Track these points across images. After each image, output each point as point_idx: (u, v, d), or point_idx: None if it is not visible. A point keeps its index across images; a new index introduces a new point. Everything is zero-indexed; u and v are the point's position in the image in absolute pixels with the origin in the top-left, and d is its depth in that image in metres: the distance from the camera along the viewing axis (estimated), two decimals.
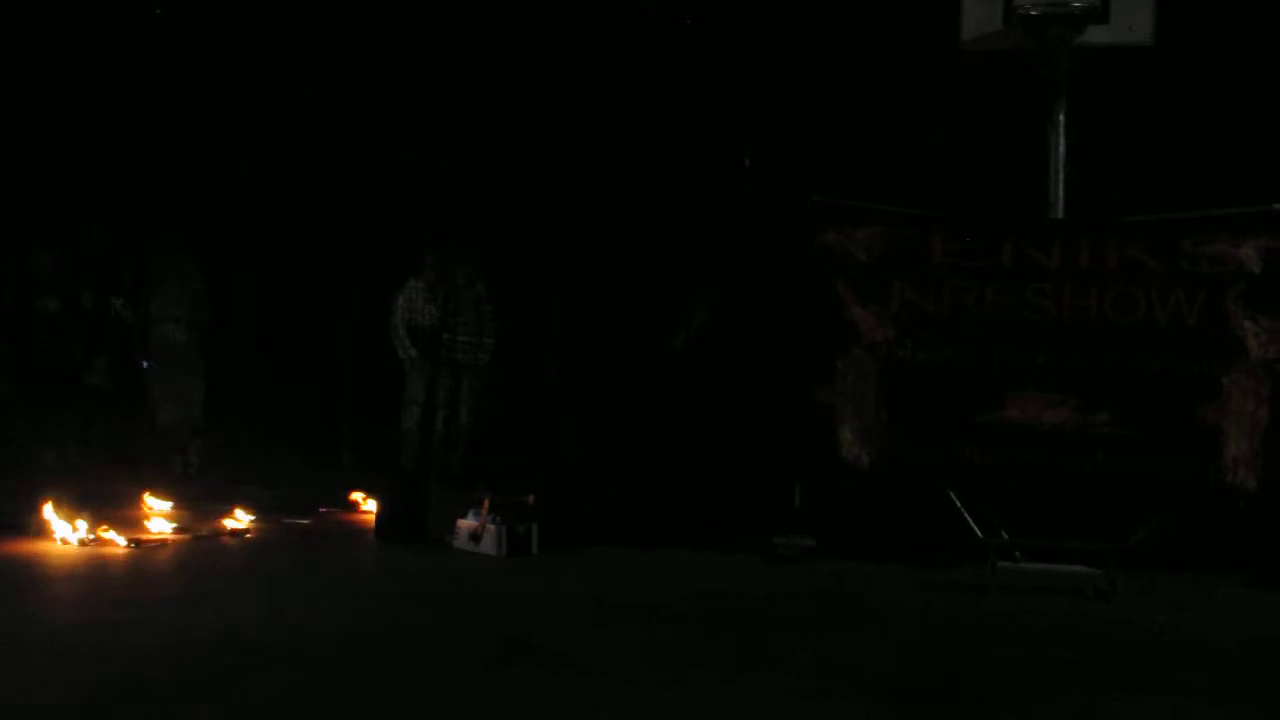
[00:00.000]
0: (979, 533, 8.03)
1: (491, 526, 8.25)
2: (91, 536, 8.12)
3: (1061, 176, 9.03)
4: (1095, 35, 8.77)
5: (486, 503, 8.31)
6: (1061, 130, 9.03)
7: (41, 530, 8.17)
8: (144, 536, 8.37)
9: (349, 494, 9.94)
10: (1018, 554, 7.89)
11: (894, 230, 8.70)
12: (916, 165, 10.47)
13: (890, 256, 8.68)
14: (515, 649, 5.91)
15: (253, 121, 12.18)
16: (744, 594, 7.40)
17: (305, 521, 9.40)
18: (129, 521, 8.63)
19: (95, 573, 7.48)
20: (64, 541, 8.05)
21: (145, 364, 11.15)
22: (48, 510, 8.26)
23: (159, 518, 8.81)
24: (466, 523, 8.40)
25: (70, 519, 8.20)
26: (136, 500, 9.23)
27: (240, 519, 9.00)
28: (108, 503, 8.96)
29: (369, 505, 9.57)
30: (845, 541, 8.46)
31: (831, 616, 6.96)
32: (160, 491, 9.39)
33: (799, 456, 8.73)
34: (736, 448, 8.91)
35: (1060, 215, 9.05)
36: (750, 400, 8.96)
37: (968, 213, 9.06)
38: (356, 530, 9.22)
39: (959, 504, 8.17)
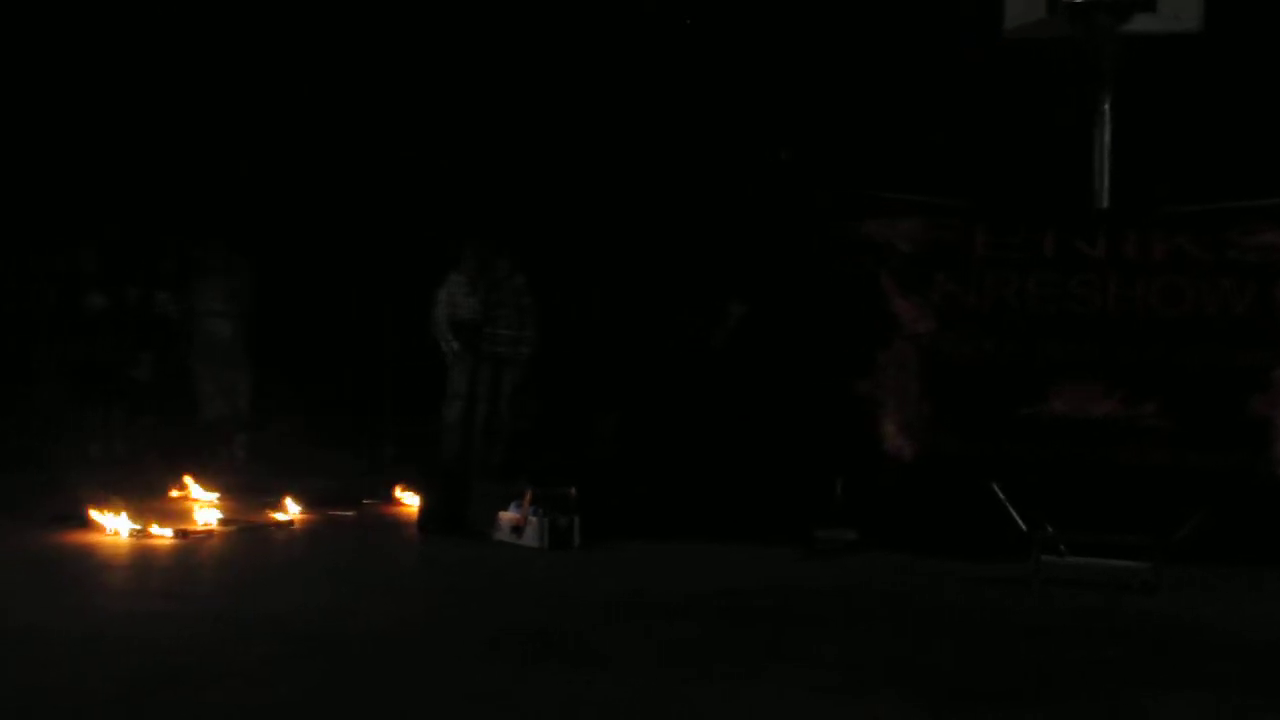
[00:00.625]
0: (1023, 526, 7.96)
1: (534, 519, 8.27)
2: (139, 528, 8.19)
3: (1107, 167, 8.94)
4: (1142, 23, 8.66)
5: (528, 495, 8.33)
6: (1107, 120, 8.93)
7: (90, 523, 8.25)
8: (190, 528, 8.44)
9: (391, 487, 10.00)
10: (1062, 548, 7.82)
11: (936, 221, 8.65)
12: (958, 156, 10.40)
13: (932, 248, 8.62)
14: (553, 643, 5.92)
15: (294, 116, 12.24)
16: (784, 587, 7.38)
17: (349, 514, 9.45)
18: (175, 513, 8.72)
19: (142, 564, 7.57)
20: (112, 533, 8.13)
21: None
22: (96, 503, 8.35)
23: (205, 509, 8.89)
24: (508, 515, 8.43)
25: (118, 512, 8.28)
26: (183, 493, 9.33)
27: (285, 511, 9.07)
28: (154, 495, 9.07)
29: (411, 498, 9.61)
30: (887, 535, 8.41)
31: (870, 610, 6.93)
32: (206, 484, 9.48)
33: (840, 449, 8.69)
34: (777, 441, 8.86)
35: (1105, 206, 8.95)
36: (790, 393, 8.91)
37: (1011, 204, 9.00)
38: (399, 523, 9.27)
39: (1002, 497, 8.12)
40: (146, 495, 8.98)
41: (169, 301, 11.51)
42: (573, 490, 8.43)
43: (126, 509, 8.36)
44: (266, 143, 12.37)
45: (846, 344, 8.69)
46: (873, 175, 9.28)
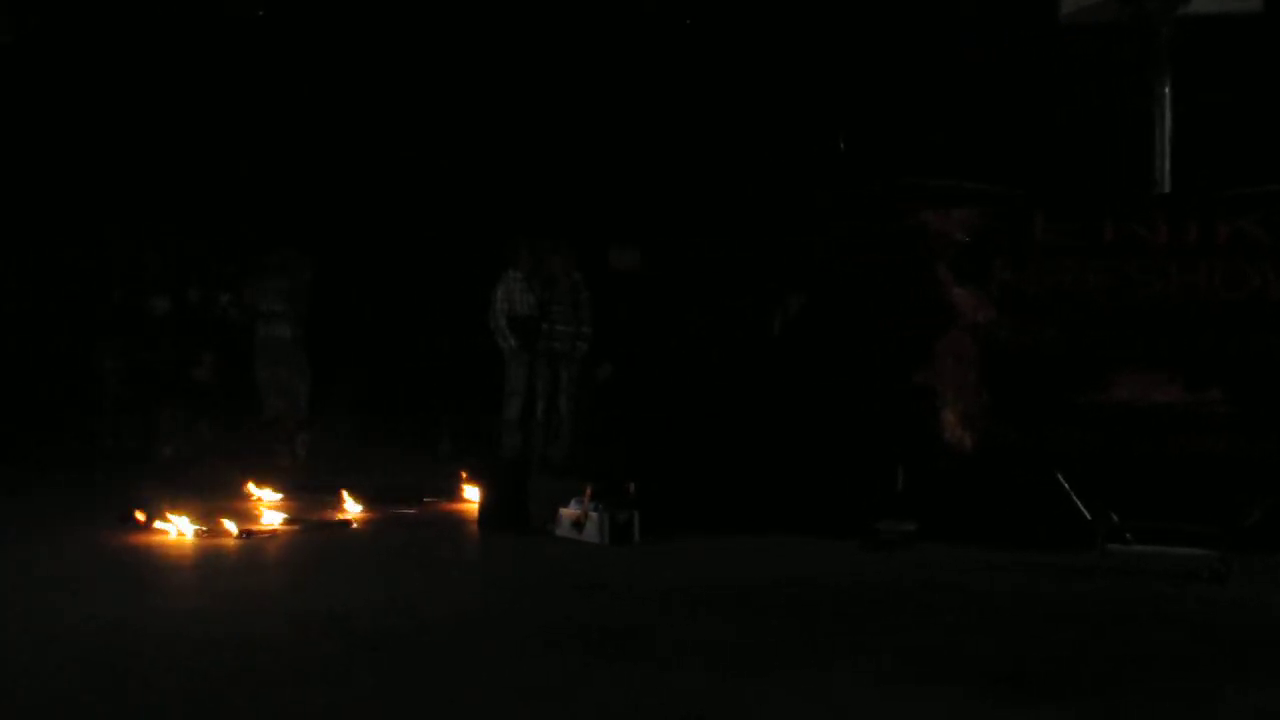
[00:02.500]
0: (1087, 515, 7.87)
1: (594, 514, 8.27)
2: (204, 529, 8.27)
3: (1167, 151, 8.81)
4: (1200, 4, 8.54)
5: (589, 491, 8.33)
6: (1167, 104, 8.81)
7: (157, 523, 8.34)
8: (255, 527, 8.51)
9: (451, 484, 10.03)
10: (1128, 536, 7.73)
11: (993, 209, 8.57)
12: (1015, 143, 10.30)
13: (989, 236, 8.55)
14: (616, 637, 5.92)
15: (352, 117, 12.32)
16: (845, 579, 7.33)
17: (410, 511, 9.50)
18: (239, 513, 8.79)
19: (208, 563, 7.63)
20: (178, 534, 8.21)
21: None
22: (162, 504, 8.44)
23: (268, 509, 8.96)
24: (569, 511, 8.43)
25: (184, 512, 8.37)
26: (246, 492, 9.41)
27: (346, 510, 9.13)
28: (219, 495, 9.15)
29: (471, 495, 9.65)
30: (949, 525, 8.31)
31: (933, 601, 6.86)
32: (269, 483, 9.56)
33: (900, 440, 8.63)
34: (837, 433, 8.81)
35: (1165, 190, 8.83)
36: (849, 384, 8.85)
37: (1069, 190, 8.89)
38: (460, 519, 9.30)
39: (1066, 486, 8.02)
40: (211, 495, 9.06)
41: (230, 303, 11.61)
42: (632, 485, 8.42)
43: (192, 509, 8.44)
44: (325, 144, 12.45)
45: (904, 334, 8.63)
46: (927, 164, 9.18)
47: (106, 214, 12.28)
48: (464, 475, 9.92)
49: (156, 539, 8.13)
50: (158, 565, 7.47)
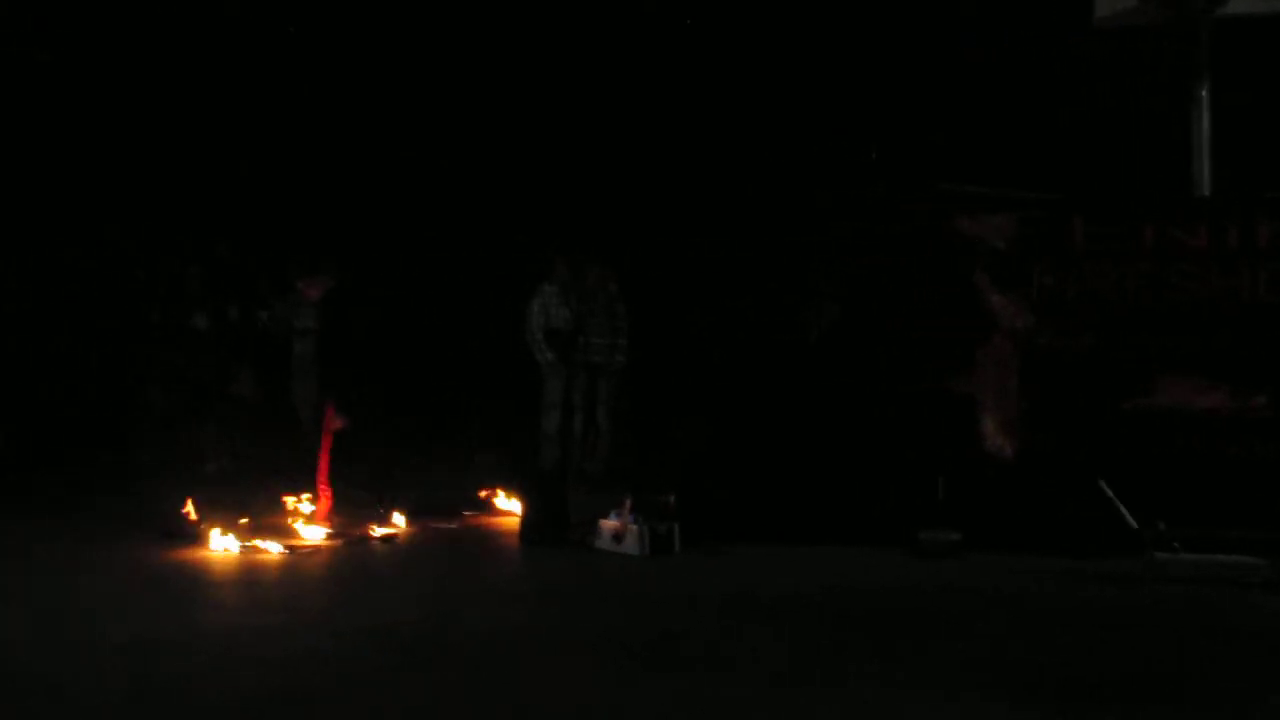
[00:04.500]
0: (1133, 523, 7.74)
1: (634, 526, 8.21)
2: (247, 544, 8.25)
3: (1206, 154, 8.70)
4: (1238, 6, 8.44)
5: (628, 503, 8.27)
6: (1205, 106, 8.69)
7: (202, 539, 8.33)
8: (296, 543, 8.49)
9: (491, 498, 9.99)
10: (1175, 544, 7.59)
11: (1031, 215, 8.48)
12: (1051, 147, 10.19)
13: (1027, 242, 8.47)
14: (660, 648, 5.88)
15: (388, 131, 12.33)
16: (888, 589, 7.26)
17: (450, 525, 9.46)
18: (282, 528, 8.77)
19: (252, 579, 7.62)
20: (223, 550, 8.20)
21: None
22: (206, 519, 8.43)
23: (310, 525, 8.94)
24: (609, 523, 8.37)
25: (227, 528, 8.35)
26: (288, 507, 9.38)
27: (388, 525, 9.09)
28: (261, 510, 9.12)
29: (511, 508, 9.59)
30: (992, 534, 8.21)
31: (977, 610, 6.78)
32: (309, 499, 9.52)
33: (941, 449, 8.53)
34: (876, 441, 8.72)
35: (1205, 193, 8.71)
36: (888, 393, 8.76)
37: (1108, 195, 8.79)
38: (500, 533, 9.26)
39: (1110, 493, 7.90)
40: (254, 510, 9.03)
41: (270, 320, 11.61)
42: (672, 497, 8.36)
43: (236, 525, 8.43)
44: (362, 161, 12.46)
45: (943, 342, 8.54)
46: (963, 170, 9.10)
47: (148, 231, 12.32)
48: (502, 489, 9.87)
49: (201, 555, 8.12)
50: (202, 581, 7.46)
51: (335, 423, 9.67)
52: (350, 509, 9.47)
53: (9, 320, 11.89)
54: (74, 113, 11.83)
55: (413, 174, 12.55)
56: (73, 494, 10.32)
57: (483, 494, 10.09)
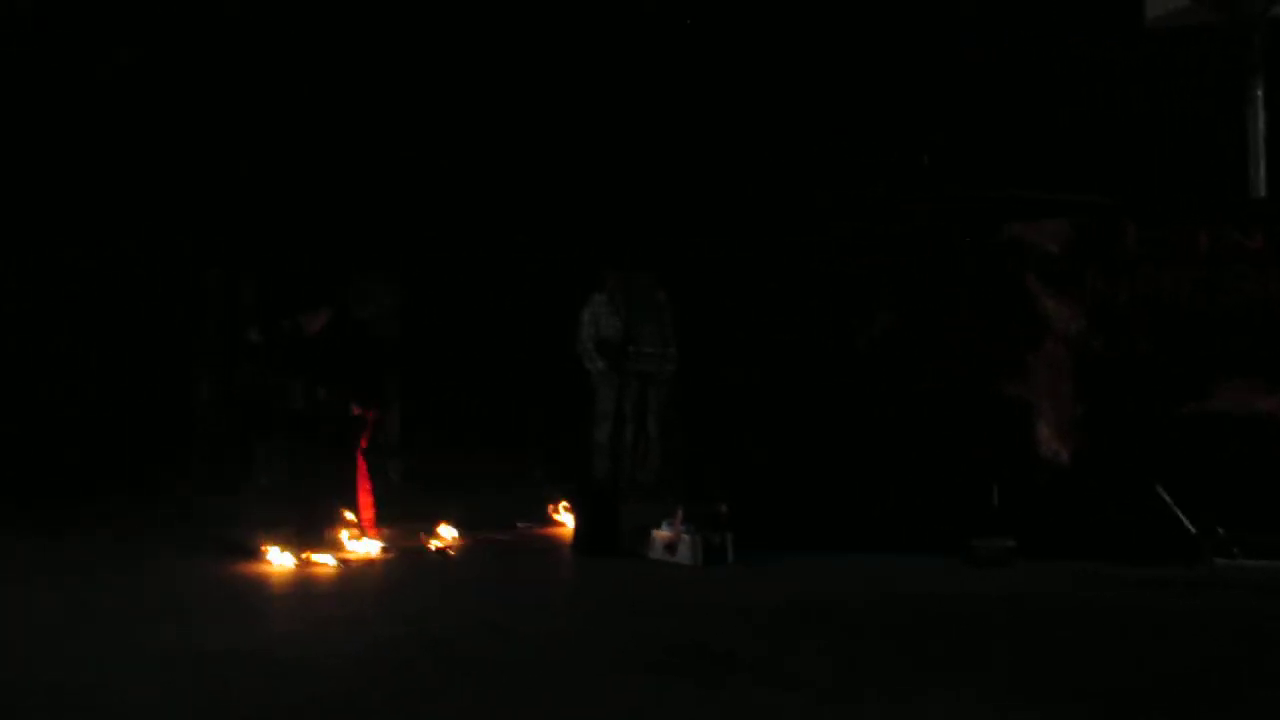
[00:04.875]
0: (1191, 528, 7.65)
1: (686, 536, 8.21)
2: (303, 557, 8.32)
3: (1262, 155, 8.59)
4: None
5: (680, 513, 8.27)
6: (1260, 106, 8.59)
7: (258, 552, 8.40)
8: (351, 555, 8.55)
9: (543, 508, 10.01)
10: (1236, 550, 7.49)
11: (1084, 220, 8.41)
12: (1104, 151, 10.10)
13: (1081, 247, 8.40)
14: (714, 659, 5.86)
15: (437, 143, 12.40)
16: (943, 598, 7.22)
17: (503, 536, 9.50)
18: (336, 540, 8.83)
19: (307, 591, 7.69)
20: (278, 563, 8.27)
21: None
22: (262, 533, 8.51)
23: (364, 537, 8.99)
24: (661, 533, 8.38)
25: (283, 541, 8.43)
26: (343, 519, 9.43)
27: (441, 536, 9.14)
28: (316, 523, 9.17)
29: (564, 519, 9.62)
30: (1047, 541, 8.14)
31: (1033, 618, 6.73)
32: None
33: (995, 455, 8.46)
34: (929, 448, 8.67)
35: (1262, 195, 8.61)
36: (941, 398, 8.70)
37: (1162, 198, 8.70)
38: (553, 544, 9.29)
39: (1168, 499, 7.81)
40: (309, 523, 9.09)
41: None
42: (724, 506, 8.34)
43: (291, 538, 8.50)
44: (411, 173, 12.54)
45: (996, 347, 8.48)
46: (1017, 175, 9.04)
47: (200, 245, 12.45)
48: (556, 499, 9.89)
49: (256, 568, 8.20)
50: (258, 594, 7.54)
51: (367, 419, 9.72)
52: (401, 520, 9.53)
53: (61, 336, 12.06)
54: (120, 126, 11.99)
55: (463, 187, 12.61)
56: (129, 509, 10.46)
57: (551, 507, 10.08)
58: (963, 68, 10.95)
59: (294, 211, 12.40)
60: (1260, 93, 8.59)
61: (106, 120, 11.94)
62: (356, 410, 9.30)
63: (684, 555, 8.20)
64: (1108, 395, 8.30)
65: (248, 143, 12.25)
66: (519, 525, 9.83)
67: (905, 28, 11.07)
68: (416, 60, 12.27)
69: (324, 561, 8.34)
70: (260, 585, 7.77)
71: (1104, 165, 9.83)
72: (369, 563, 8.54)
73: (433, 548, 8.98)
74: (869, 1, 11.17)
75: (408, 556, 8.74)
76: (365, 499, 9.40)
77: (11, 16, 10.99)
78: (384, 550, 8.81)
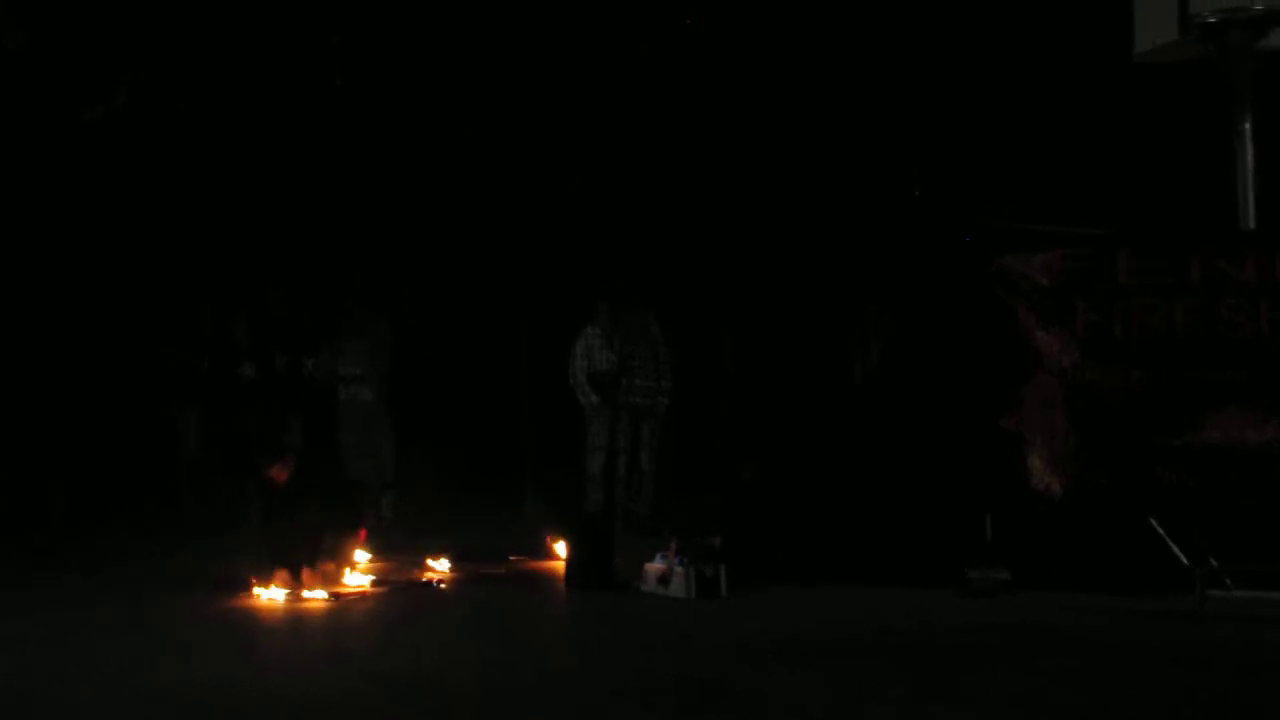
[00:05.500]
0: (1184, 560, 7.67)
1: (679, 569, 8.20)
2: (294, 592, 8.32)
3: (1251, 187, 8.66)
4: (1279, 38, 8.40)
5: (673, 546, 8.27)
6: (1248, 139, 8.66)
7: (249, 586, 8.40)
8: (342, 590, 8.55)
9: (536, 541, 10.01)
10: (1228, 581, 7.51)
11: (1075, 251, 8.47)
12: (1094, 184, 10.18)
13: (1072, 278, 8.45)
14: (708, 692, 5.85)
15: (426, 177, 12.47)
16: (937, 629, 7.21)
17: (497, 570, 9.49)
18: (328, 574, 8.81)
19: (299, 626, 7.68)
20: (269, 597, 8.26)
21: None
22: (254, 568, 8.51)
23: (356, 570, 8.99)
24: (654, 566, 8.37)
25: (274, 575, 8.42)
26: (333, 554, 9.43)
27: (434, 569, 9.14)
28: (308, 557, 9.16)
29: (557, 552, 9.62)
30: (1041, 572, 8.17)
31: (1027, 650, 6.71)
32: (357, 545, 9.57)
33: (988, 487, 8.50)
34: (923, 480, 8.70)
35: (1251, 227, 8.67)
36: (934, 431, 8.74)
37: (1153, 229, 8.77)
38: (546, 577, 9.28)
39: (1161, 530, 7.83)
40: (300, 559, 9.09)
41: (316, 367, 11.73)
42: (717, 539, 8.35)
43: (282, 572, 8.50)
44: (401, 206, 12.60)
45: (988, 379, 8.53)
46: (1005, 207, 9.10)
47: (195, 281, 12.49)
48: (549, 532, 9.89)
49: (248, 603, 8.19)
50: (251, 628, 7.53)
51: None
52: (394, 554, 9.52)
53: (55, 371, 12.08)
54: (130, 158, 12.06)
55: (457, 219, 12.67)
56: (122, 544, 10.45)
57: (544, 540, 10.08)
58: (951, 100, 11.04)
59: (287, 246, 12.46)
60: (1248, 125, 8.66)
61: (101, 157, 11.99)
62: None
63: (677, 588, 8.19)
64: (1100, 427, 8.33)
65: (244, 177, 12.31)
66: (512, 558, 9.83)
67: (893, 59, 11.16)
68: (410, 91, 12.35)
69: (316, 596, 8.33)
70: (252, 620, 7.75)
71: (1094, 197, 9.90)
72: (361, 597, 8.53)
73: (425, 581, 8.98)
74: (855, 34, 11.26)
75: (400, 590, 8.73)
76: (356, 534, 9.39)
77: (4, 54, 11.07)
78: (376, 584, 8.81)
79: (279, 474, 9.01)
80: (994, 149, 10.95)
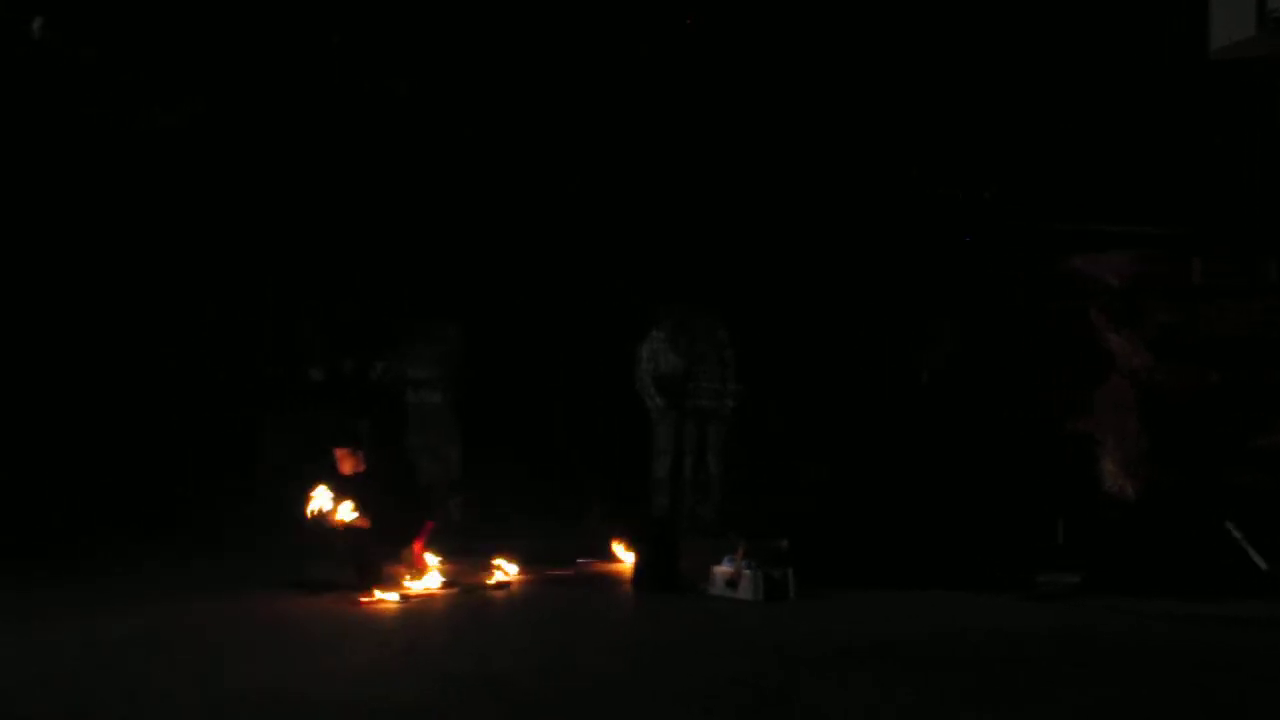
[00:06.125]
0: (1261, 564, 7.58)
1: (747, 572, 8.23)
2: (363, 593, 8.43)
3: None
4: None
5: (741, 548, 8.30)
6: None
7: (321, 589, 8.53)
8: (411, 592, 8.65)
9: (604, 545, 10.07)
10: None
11: (1147, 253, 8.41)
12: (1167, 184, 10.06)
13: (1144, 280, 8.39)
14: (774, 697, 5.87)
15: (495, 182, 12.55)
16: (1010, 634, 7.18)
17: (564, 573, 9.56)
18: (396, 577, 8.92)
19: (367, 627, 7.77)
20: (339, 599, 8.38)
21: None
22: (324, 570, 8.65)
23: (425, 572, 9.09)
24: (722, 569, 8.41)
25: (345, 578, 8.56)
26: (403, 556, 9.55)
27: (502, 572, 9.22)
28: (375, 560, 9.29)
29: (624, 555, 9.68)
30: (1114, 577, 8.11)
31: (1101, 656, 6.67)
32: (426, 548, 9.69)
33: (1059, 490, 8.45)
34: (992, 483, 8.66)
35: None
36: (1004, 433, 8.71)
37: (1227, 230, 8.67)
38: (613, 580, 9.33)
39: (1237, 534, 7.75)
40: (368, 561, 9.21)
41: (384, 372, 11.88)
42: (785, 542, 8.37)
43: (352, 575, 8.62)
44: (471, 210, 12.69)
45: (1060, 382, 8.49)
46: (1078, 208, 9.04)
47: (263, 285, 12.68)
48: (616, 537, 9.95)
49: (315, 604, 8.30)
50: (318, 630, 7.61)
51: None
52: (462, 557, 9.63)
53: (130, 374, 12.32)
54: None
55: (522, 224, 12.75)
56: (193, 547, 10.63)
57: (611, 543, 10.13)
58: (1021, 98, 10.96)
59: (355, 252, 12.60)
60: None
61: (172, 164, 12.20)
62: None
63: (745, 591, 8.22)
64: (1174, 429, 8.26)
65: (314, 182, 12.46)
66: (579, 561, 9.90)
67: (960, 56, 11.09)
68: (474, 98, 12.44)
69: (385, 598, 8.44)
70: (321, 623, 7.85)
71: (1167, 197, 9.79)
72: (429, 599, 8.63)
73: (493, 584, 9.07)
74: (924, 34, 11.20)
75: (468, 593, 8.82)
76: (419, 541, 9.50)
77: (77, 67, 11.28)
78: (444, 586, 8.91)
79: (345, 459, 9.13)
80: (1065, 148, 10.84)
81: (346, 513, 8.86)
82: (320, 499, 8.84)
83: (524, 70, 11.98)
